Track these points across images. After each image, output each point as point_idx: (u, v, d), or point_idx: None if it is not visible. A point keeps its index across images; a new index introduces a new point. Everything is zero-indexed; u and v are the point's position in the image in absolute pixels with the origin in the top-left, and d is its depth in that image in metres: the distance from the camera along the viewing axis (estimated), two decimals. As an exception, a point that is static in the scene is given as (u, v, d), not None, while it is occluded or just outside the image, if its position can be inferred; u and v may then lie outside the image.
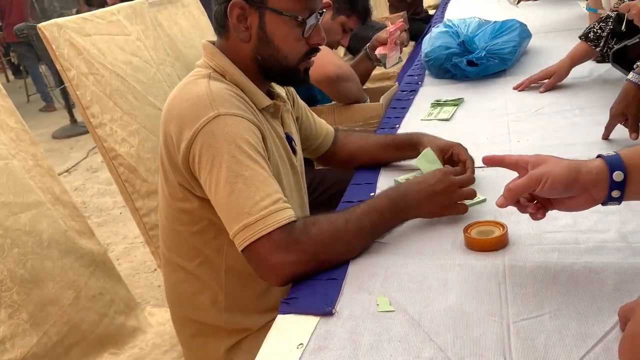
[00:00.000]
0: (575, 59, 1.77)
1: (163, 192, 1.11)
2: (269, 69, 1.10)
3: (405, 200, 1.02)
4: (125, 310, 1.40)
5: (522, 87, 1.81)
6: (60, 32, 1.38)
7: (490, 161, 0.91)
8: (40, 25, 1.35)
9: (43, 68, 6.24)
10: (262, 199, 0.93)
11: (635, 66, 1.34)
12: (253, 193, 0.93)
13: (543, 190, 0.81)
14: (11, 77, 8.35)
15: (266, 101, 1.12)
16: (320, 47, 1.13)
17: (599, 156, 0.81)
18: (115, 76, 1.47)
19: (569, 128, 1.44)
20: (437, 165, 1.19)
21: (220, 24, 1.10)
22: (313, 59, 1.14)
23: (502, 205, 0.85)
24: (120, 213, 3.46)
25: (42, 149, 4.58)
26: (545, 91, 1.75)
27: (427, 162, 1.19)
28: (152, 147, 1.48)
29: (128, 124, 1.45)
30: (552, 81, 1.76)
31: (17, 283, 1.10)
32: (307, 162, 1.54)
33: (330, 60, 1.88)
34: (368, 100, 1.96)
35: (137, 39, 1.61)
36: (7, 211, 1.17)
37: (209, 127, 0.97)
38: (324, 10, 1.15)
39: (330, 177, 1.83)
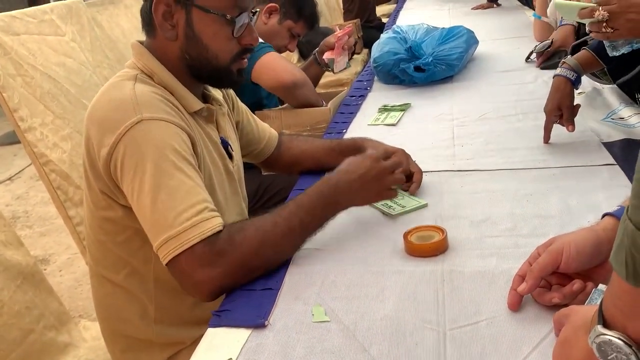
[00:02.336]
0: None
1: (86, 201, 1.04)
2: (198, 69, 1.05)
3: (336, 192, 0.99)
4: (55, 324, 1.32)
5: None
6: (-16, 30, 1.30)
7: (519, 300, 0.78)
8: (-38, 22, 1.27)
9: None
10: (185, 210, 0.88)
11: (561, 62, 1.36)
12: (177, 204, 0.88)
13: (570, 260, 0.73)
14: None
15: (197, 105, 1.07)
16: (252, 47, 1.08)
17: (605, 215, 0.78)
18: (46, 78, 1.40)
19: (512, 133, 1.45)
20: None
21: (147, 22, 1.05)
22: (246, 60, 1.09)
23: (524, 291, 0.75)
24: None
25: (-17, 156, 4.28)
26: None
27: None
28: (87, 153, 1.41)
29: (60, 129, 1.38)
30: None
31: None
32: (254, 167, 1.50)
33: (284, 67, 1.85)
34: (324, 104, 1.94)
35: (71, 40, 1.54)
36: None
37: (132, 133, 0.91)
38: (257, 10, 1.11)
39: (277, 183, 1.79)
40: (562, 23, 2.04)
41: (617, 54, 1.13)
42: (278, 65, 1.84)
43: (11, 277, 1.24)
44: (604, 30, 1.03)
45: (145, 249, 0.98)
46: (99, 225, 1.03)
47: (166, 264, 0.88)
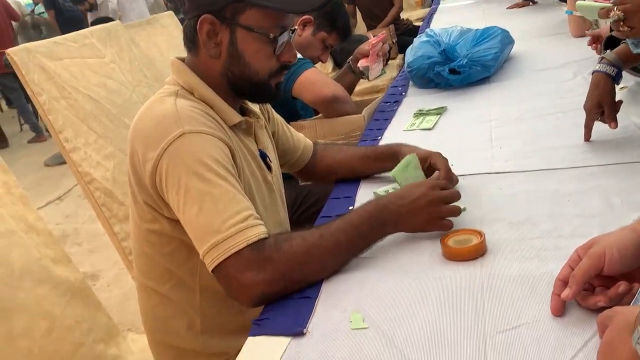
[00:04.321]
0: None
1: (132, 214, 1.08)
2: (239, 85, 1.08)
3: (384, 214, 0.97)
4: (104, 338, 1.36)
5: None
6: (29, 57, 1.36)
7: (562, 305, 0.76)
8: (8, 50, 1.34)
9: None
10: (230, 217, 0.90)
11: (600, 58, 1.32)
12: (221, 211, 0.90)
13: (613, 263, 0.71)
14: (5, 106, 8.36)
15: (236, 118, 1.09)
16: (291, 63, 1.10)
17: None
18: (88, 99, 1.45)
19: (551, 132, 1.42)
20: (417, 173, 1.15)
21: (190, 40, 1.08)
22: (284, 74, 1.11)
23: (568, 297, 0.73)
24: (112, 238, 3.42)
25: (34, 177, 4.53)
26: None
27: (403, 171, 1.16)
28: (129, 170, 1.45)
29: (103, 148, 1.43)
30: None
31: (-16, 317, 1.07)
32: (292, 178, 1.52)
33: (325, 82, 1.90)
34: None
35: (111, 61, 1.59)
36: (-23, 241, 1.14)
37: (175, 146, 0.94)
38: (296, 27, 1.14)
39: (314, 192, 1.80)
40: None
41: None
42: (319, 81, 1.88)
43: (61, 293, 1.29)
44: (621, 29, 1.02)
45: (191, 261, 1.00)
46: (145, 238, 1.06)
47: (212, 270, 0.90)
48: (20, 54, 1.34)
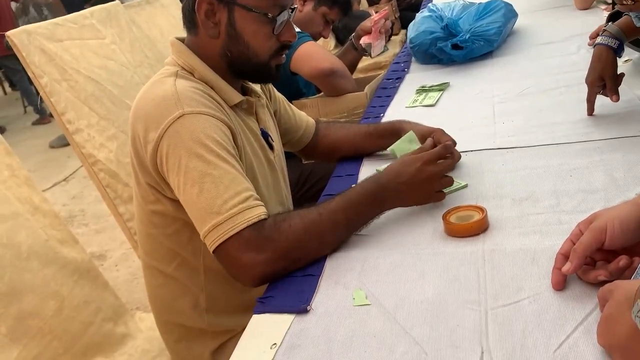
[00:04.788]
0: None
1: (136, 196, 1.08)
2: (239, 66, 1.07)
3: (383, 191, 0.99)
4: (113, 317, 1.38)
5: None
6: (29, 39, 1.36)
7: (563, 279, 0.76)
8: (8, 33, 1.33)
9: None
10: (231, 198, 0.90)
11: (602, 30, 1.31)
12: (222, 192, 0.91)
13: (614, 237, 0.71)
14: (8, 89, 8.35)
15: (237, 98, 1.09)
16: (290, 43, 1.10)
17: None
18: (89, 81, 1.45)
19: (555, 107, 1.41)
20: (415, 146, 1.17)
21: (189, 20, 1.07)
22: (284, 55, 1.11)
23: (569, 271, 0.73)
24: (119, 219, 3.45)
25: (39, 159, 4.53)
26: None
27: (403, 144, 1.17)
28: (132, 151, 1.46)
29: (105, 129, 1.43)
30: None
31: (-5, 298, 1.09)
32: (295, 157, 1.52)
33: (323, 55, 1.87)
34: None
35: (112, 42, 1.58)
36: (-18, 224, 1.15)
37: (175, 127, 0.94)
38: (295, 6, 1.12)
39: (317, 171, 1.80)
40: None
41: None
42: (317, 54, 1.85)
43: (68, 273, 1.31)
44: (625, 2, 1.00)
45: (194, 240, 1.01)
46: (148, 219, 1.07)
47: (213, 251, 0.91)
48: (20, 36, 1.34)
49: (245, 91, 1.17)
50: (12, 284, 1.14)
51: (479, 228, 0.93)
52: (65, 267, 1.31)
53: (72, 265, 1.33)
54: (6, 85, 8.38)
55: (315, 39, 2.02)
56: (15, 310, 1.13)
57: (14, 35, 1.33)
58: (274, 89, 1.33)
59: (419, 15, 2.10)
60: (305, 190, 1.77)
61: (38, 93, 6.08)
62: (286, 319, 0.82)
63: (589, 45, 1.74)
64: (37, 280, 1.21)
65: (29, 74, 1.35)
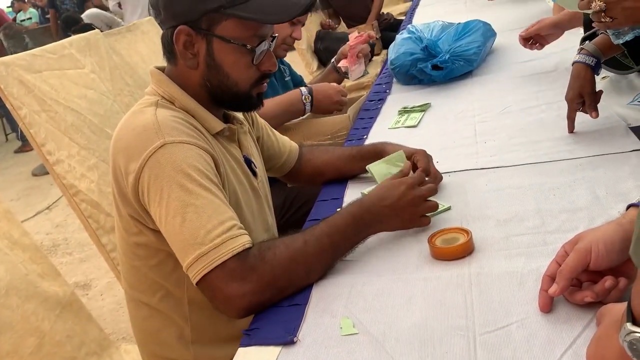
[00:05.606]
0: (562, 20, 1.76)
1: (118, 228, 1.07)
2: (219, 95, 1.07)
3: (368, 215, 0.99)
4: (97, 350, 1.34)
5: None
6: (7, 70, 1.34)
7: (550, 301, 0.76)
8: (-14, 64, 1.32)
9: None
10: (214, 228, 0.89)
11: (579, 49, 1.33)
12: (205, 222, 0.89)
13: (599, 259, 0.72)
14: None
15: (219, 126, 1.08)
16: (271, 72, 1.10)
17: (629, 206, 0.77)
18: (69, 111, 1.43)
19: (536, 125, 1.42)
20: (391, 169, 1.17)
21: (168, 50, 1.07)
22: (265, 84, 1.10)
23: (556, 293, 0.73)
24: (103, 247, 3.40)
25: (22, 187, 4.46)
26: (524, 35, 1.79)
27: (383, 164, 1.18)
28: (114, 180, 1.44)
29: (86, 159, 1.41)
30: (533, 28, 1.78)
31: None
32: (279, 181, 1.51)
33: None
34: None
35: (91, 72, 1.57)
36: (-40, 261, 1.12)
37: (156, 157, 0.93)
38: (276, 35, 1.12)
39: (303, 194, 1.79)
40: None
41: (622, 42, 1.11)
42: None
43: (50, 307, 1.28)
44: (603, 20, 1.02)
45: (177, 272, 1.00)
46: (131, 250, 1.05)
47: (197, 282, 0.89)
48: (0, 67, 1.32)
49: (227, 119, 1.16)
50: (-9, 322, 1.11)
51: (464, 251, 0.92)
52: (47, 301, 1.28)
53: (54, 299, 1.29)
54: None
55: (289, 43, 1.96)
56: (-6, 349, 1.09)
57: (-9, 66, 1.31)
58: (257, 115, 1.33)
59: (398, 37, 2.12)
60: (291, 215, 1.76)
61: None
62: (273, 351, 0.80)
63: (521, 35, 1.82)
64: (16, 317, 1.18)
65: (8, 105, 1.34)
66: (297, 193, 1.80)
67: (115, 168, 1.00)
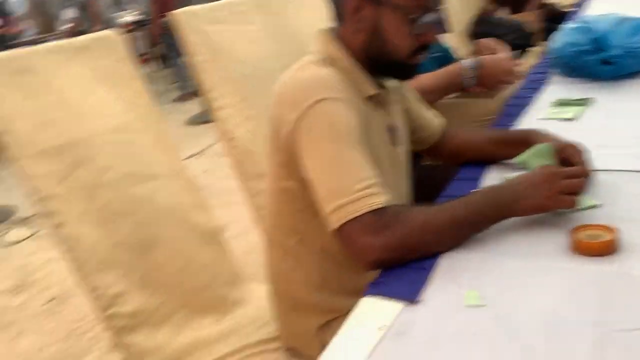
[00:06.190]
0: None
1: (269, 173, 1.16)
2: (378, 61, 1.11)
3: (502, 195, 0.98)
4: (229, 283, 1.48)
5: None
6: (191, 19, 1.49)
7: None
8: (175, 12, 1.47)
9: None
10: (357, 182, 0.94)
11: None
12: (349, 175, 0.95)
13: None
14: (155, 67, 9.02)
15: (372, 90, 1.13)
16: (430, 44, 1.11)
17: None
18: (238, 63, 1.56)
19: None
20: (547, 163, 1.12)
21: (337, 11, 1.13)
22: (422, 55, 1.13)
23: None
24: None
25: (175, 133, 4.83)
26: None
27: (536, 157, 1.13)
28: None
29: (245, 109, 1.53)
30: None
31: (133, 247, 1.22)
32: (413, 158, 1.52)
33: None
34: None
35: (260, 29, 1.68)
36: (132, 180, 1.29)
37: (314, 110, 1.00)
38: (439, 8, 1.13)
39: (435, 175, 1.78)
40: None
41: None
42: None
43: (197, 236, 1.43)
44: None
45: (316, 220, 1.06)
46: (277, 195, 1.14)
47: (333, 230, 0.95)
48: (183, 16, 1.47)
49: (380, 85, 1.20)
50: (148, 238, 1.27)
51: (608, 248, 0.89)
52: (194, 230, 1.43)
53: (201, 229, 1.44)
54: (161, 61, 9.02)
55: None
56: (147, 261, 1.25)
57: (178, 14, 1.46)
58: (409, 86, 1.35)
59: (565, 27, 2.01)
60: (420, 195, 1.76)
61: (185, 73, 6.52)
62: (396, 305, 0.84)
63: None
64: (169, 238, 1.34)
65: (186, 51, 1.49)
66: (430, 174, 1.79)
67: (273, 117, 1.08)
